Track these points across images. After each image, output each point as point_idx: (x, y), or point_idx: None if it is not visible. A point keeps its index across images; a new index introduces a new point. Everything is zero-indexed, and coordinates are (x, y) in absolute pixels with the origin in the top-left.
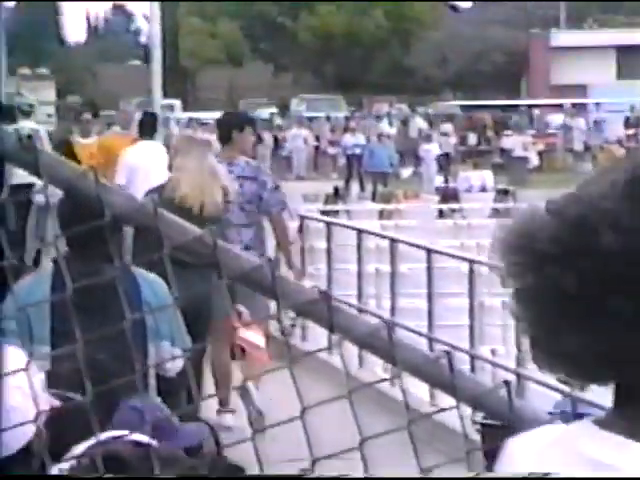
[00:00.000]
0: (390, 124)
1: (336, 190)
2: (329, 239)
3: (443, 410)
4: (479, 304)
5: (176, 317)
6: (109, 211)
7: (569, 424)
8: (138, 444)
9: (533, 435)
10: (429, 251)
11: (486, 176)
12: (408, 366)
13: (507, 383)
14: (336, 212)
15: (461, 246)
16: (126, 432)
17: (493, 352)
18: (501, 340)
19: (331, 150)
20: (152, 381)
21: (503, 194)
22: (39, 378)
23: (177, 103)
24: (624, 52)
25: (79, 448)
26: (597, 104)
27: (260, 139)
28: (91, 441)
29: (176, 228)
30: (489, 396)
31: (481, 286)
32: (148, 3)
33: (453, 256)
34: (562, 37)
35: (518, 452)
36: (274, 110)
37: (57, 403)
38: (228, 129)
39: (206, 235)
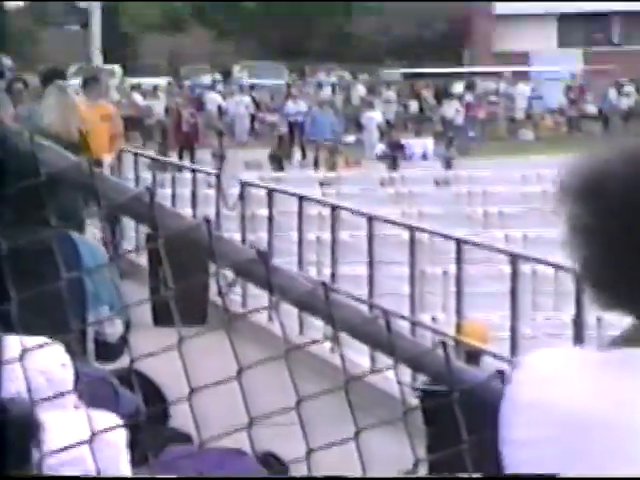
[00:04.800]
0: (333, 91)
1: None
2: (270, 206)
3: (379, 370)
4: (420, 272)
5: (116, 281)
6: (44, 169)
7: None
8: None
9: (556, 352)
10: (370, 218)
11: (427, 144)
12: (346, 326)
13: (444, 344)
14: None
15: (402, 214)
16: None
17: (433, 319)
18: (441, 308)
19: (270, 117)
20: (90, 345)
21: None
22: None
23: (118, 69)
24: (565, 20)
25: None
26: (538, 72)
27: (201, 105)
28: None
29: (113, 187)
30: (427, 356)
31: (422, 254)
32: None
33: (394, 223)
34: (505, 5)
35: (541, 365)
36: (217, 77)
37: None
38: None
39: (143, 194)
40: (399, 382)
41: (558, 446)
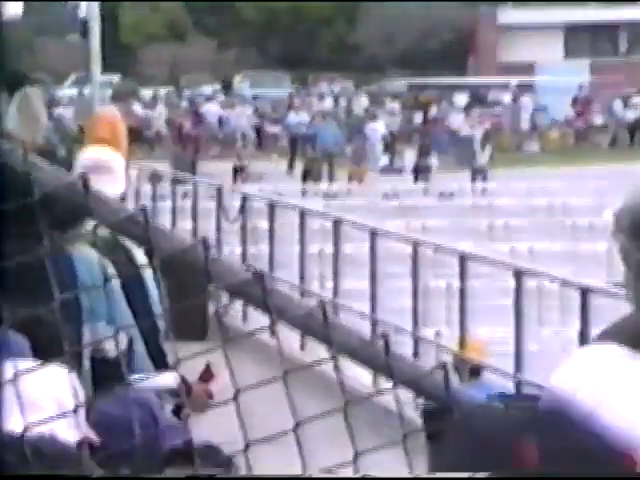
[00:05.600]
0: (335, 102)
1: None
2: (271, 219)
3: (380, 392)
4: (423, 286)
5: (116, 297)
6: (39, 188)
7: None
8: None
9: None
10: (373, 232)
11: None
12: (344, 348)
13: (444, 366)
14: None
15: (407, 227)
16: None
17: (437, 334)
18: (444, 322)
19: (273, 129)
20: (86, 362)
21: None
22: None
23: (117, 79)
24: (571, 31)
25: None
26: (544, 83)
27: (199, 117)
28: None
29: (108, 207)
30: (426, 379)
31: (426, 268)
32: None
33: (397, 237)
34: (510, 15)
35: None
36: (217, 87)
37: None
38: None
39: (138, 214)
40: (398, 403)
41: None
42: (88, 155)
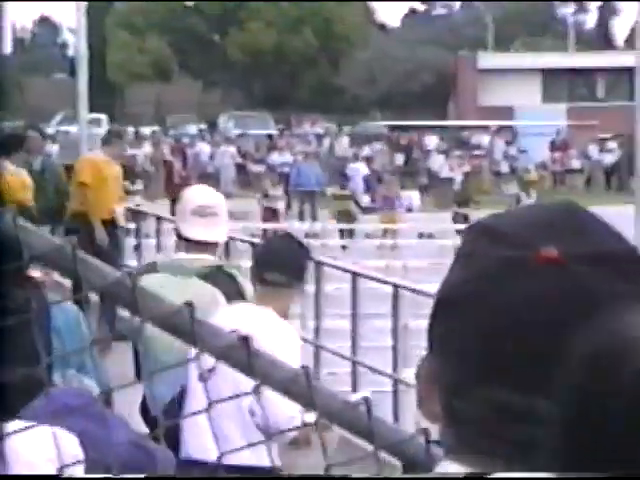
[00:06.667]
0: (318, 143)
1: None
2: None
3: (362, 459)
4: (403, 326)
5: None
6: (27, 252)
7: None
8: None
9: None
10: (354, 274)
11: (413, 196)
12: (327, 412)
13: (425, 431)
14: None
15: (386, 267)
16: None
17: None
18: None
19: (256, 168)
20: None
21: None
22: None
23: (104, 117)
24: (549, 75)
25: None
26: (523, 126)
27: (185, 157)
28: None
29: (95, 271)
30: (407, 443)
31: (405, 307)
32: (75, 15)
33: (378, 280)
34: (489, 59)
35: None
36: (202, 126)
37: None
38: None
39: (125, 277)
40: (378, 463)
41: None
42: (191, 197)
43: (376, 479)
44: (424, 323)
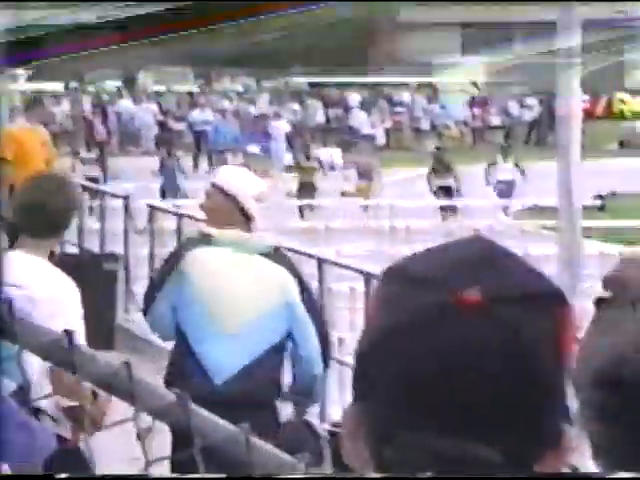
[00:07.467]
0: (238, 99)
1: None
2: (179, 230)
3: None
4: (327, 289)
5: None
6: None
7: None
8: None
9: None
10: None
11: (334, 154)
12: (266, 471)
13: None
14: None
15: (313, 230)
16: None
17: (340, 341)
18: (348, 327)
19: (177, 126)
20: None
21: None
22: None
23: (21, 73)
24: (469, 29)
25: None
26: (443, 82)
27: (105, 115)
28: None
29: (31, 331)
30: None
31: (329, 271)
32: None
33: (301, 253)
34: (409, 13)
35: None
36: (120, 82)
37: None
38: None
39: (62, 337)
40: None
41: None
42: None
43: (380, 479)
44: (346, 286)
